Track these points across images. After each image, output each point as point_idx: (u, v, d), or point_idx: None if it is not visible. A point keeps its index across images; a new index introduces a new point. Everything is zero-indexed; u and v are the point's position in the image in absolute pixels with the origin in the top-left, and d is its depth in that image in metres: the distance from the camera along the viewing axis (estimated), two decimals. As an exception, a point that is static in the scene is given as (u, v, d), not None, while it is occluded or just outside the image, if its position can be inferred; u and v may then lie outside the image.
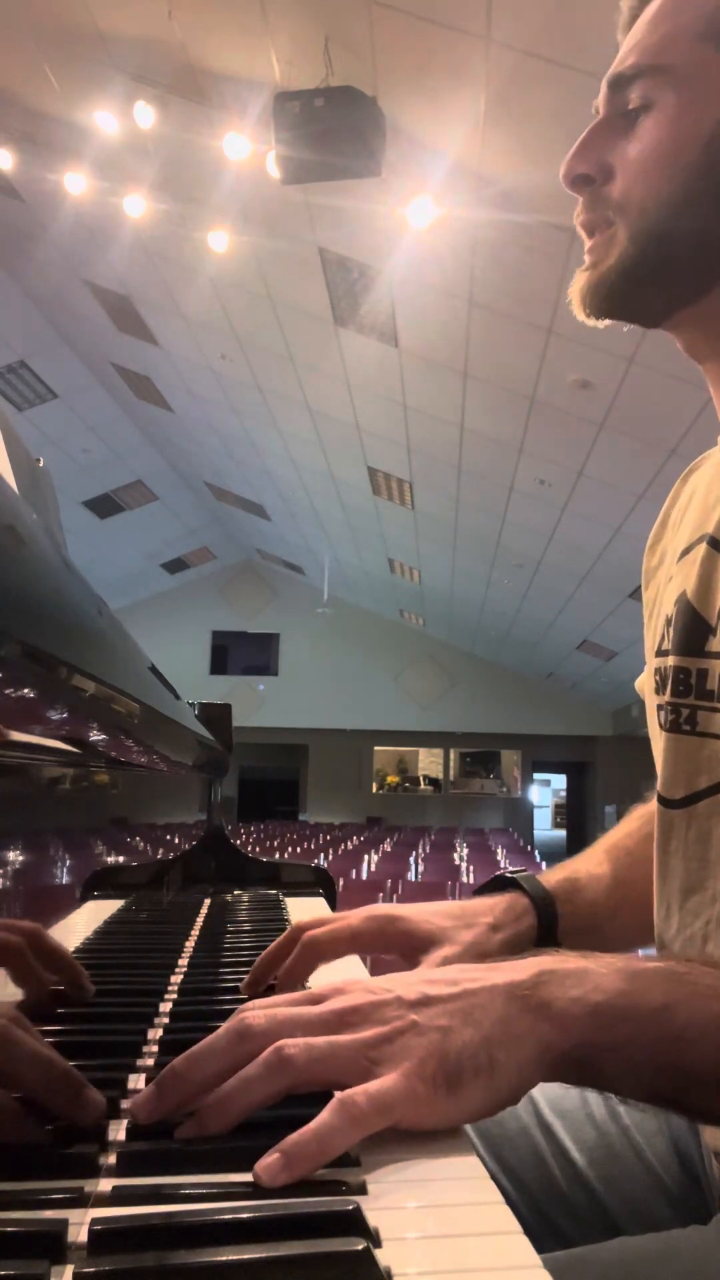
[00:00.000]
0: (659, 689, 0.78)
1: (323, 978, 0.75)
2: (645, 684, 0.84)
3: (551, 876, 0.85)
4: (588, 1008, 0.48)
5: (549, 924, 0.80)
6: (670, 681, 0.73)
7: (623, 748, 15.83)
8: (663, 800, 0.74)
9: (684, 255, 0.68)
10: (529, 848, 12.93)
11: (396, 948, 0.73)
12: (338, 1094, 0.43)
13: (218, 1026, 0.63)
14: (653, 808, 0.92)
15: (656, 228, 0.68)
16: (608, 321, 0.74)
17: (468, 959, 0.71)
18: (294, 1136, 0.41)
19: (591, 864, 0.89)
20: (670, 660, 0.74)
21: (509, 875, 0.83)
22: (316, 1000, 0.50)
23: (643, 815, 0.92)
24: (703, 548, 0.72)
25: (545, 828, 22.52)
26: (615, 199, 0.70)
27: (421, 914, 0.74)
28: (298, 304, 7.02)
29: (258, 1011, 0.48)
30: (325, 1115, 0.42)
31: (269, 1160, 0.40)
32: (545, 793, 23.97)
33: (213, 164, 5.44)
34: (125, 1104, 0.49)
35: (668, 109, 0.67)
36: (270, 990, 0.70)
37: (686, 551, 0.76)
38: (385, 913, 0.73)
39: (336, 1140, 0.42)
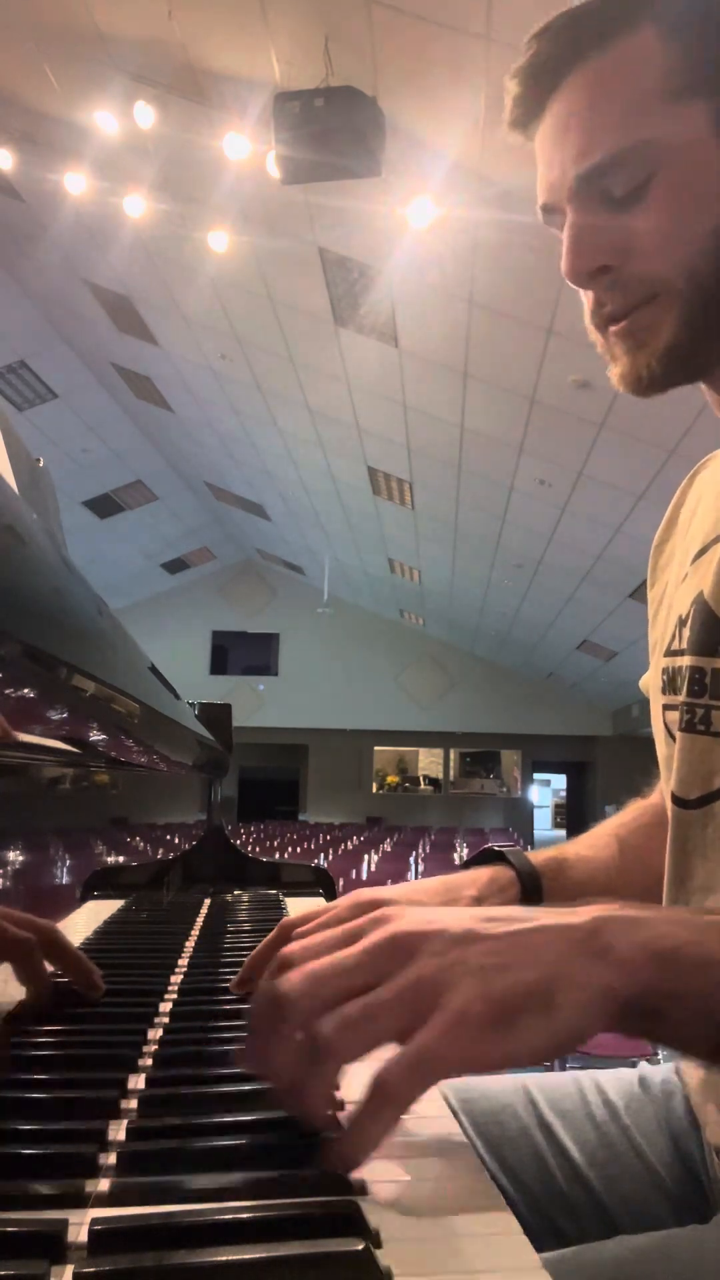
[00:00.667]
0: (666, 688, 0.78)
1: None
2: (651, 683, 0.84)
3: (539, 855, 0.85)
4: (654, 954, 0.46)
5: (533, 898, 0.80)
6: (686, 681, 0.74)
7: (623, 748, 15.83)
8: (677, 800, 0.74)
9: None
10: (528, 847, 12.91)
11: None
12: (375, 1075, 0.42)
13: (218, 1026, 0.64)
14: (649, 803, 0.92)
15: (707, 286, 0.66)
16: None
17: None
18: (359, 1120, 0.42)
19: (581, 848, 0.89)
20: (685, 660, 0.74)
21: (496, 850, 0.83)
22: (355, 936, 0.48)
23: (639, 809, 0.92)
24: (718, 549, 0.73)
25: (545, 828, 22.50)
26: (652, 272, 0.67)
27: (406, 894, 0.74)
28: (298, 304, 7.01)
29: (291, 976, 0.46)
30: (365, 1103, 0.42)
31: (332, 1156, 0.41)
32: (545, 793, 23.96)
33: (213, 164, 5.44)
34: (126, 1104, 0.49)
35: (672, 175, 0.65)
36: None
37: (702, 552, 0.76)
38: (370, 898, 0.72)
39: (377, 1127, 0.42)
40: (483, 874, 0.80)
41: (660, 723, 0.80)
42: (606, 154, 0.66)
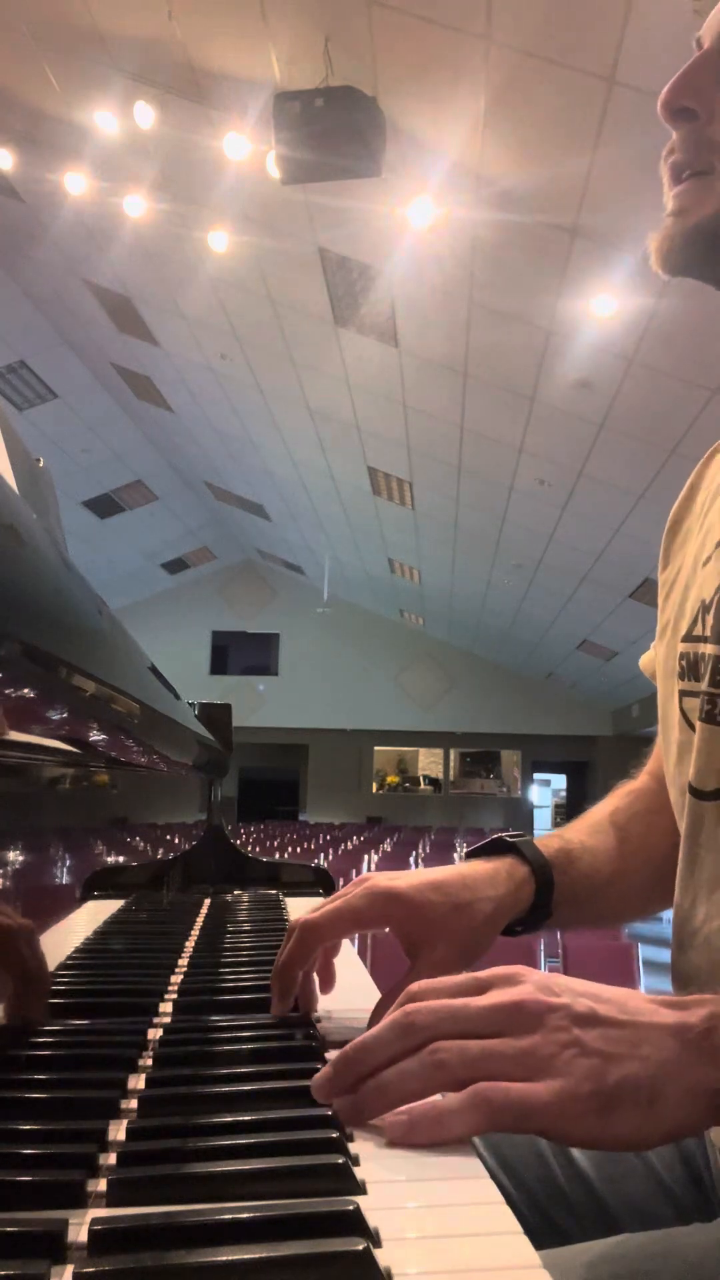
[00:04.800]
0: (686, 674, 0.75)
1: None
2: (657, 664, 0.81)
3: (546, 845, 0.83)
4: None
5: (544, 893, 0.79)
6: (710, 670, 0.71)
7: (623, 748, 15.82)
8: (694, 791, 0.72)
9: None
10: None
11: (394, 922, 0.70)
12: (478, 1083, 0.45)
13: (218, 1026, 0.64)
14: (641, 788, 0.91)
15: None
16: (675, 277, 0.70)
17: (465, 952, 0.71)
18: (422, 1106, 0.45)
19: (582, 835, 0.88)
20: (709, 648, 0.72)
21: (508, 840, 0.81)
22: (484, 987, 0.50)
23: (631, 794, 0.91)
24: None
25: (545, 828, 22.48)
26: (718, 141, 0.65)
27: (421, 893, 0.71)
28: (298, 304, 7.01)
29: (419, 1006, 0.49)
30: (458, 1097, 0.44)
31: (396, 1119, 0.44)
32: (545, 793, 23.94)
33: (213, 164, 5.44)
34: (126, 1104, 0.49)
35: None
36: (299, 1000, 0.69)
37: None
38: (385, 889, 0.70)
39: (458, 1124, 0.44)
40: (499, 869, 0.77)
41: (676, 708, 0.77)
42: None
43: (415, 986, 0.52)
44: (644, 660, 0.87)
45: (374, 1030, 0.49)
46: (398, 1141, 0.45)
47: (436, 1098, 0.47)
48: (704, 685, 0.72)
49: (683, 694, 0.76)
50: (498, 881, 0.76)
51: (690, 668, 0.75)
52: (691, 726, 0.74)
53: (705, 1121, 0.47)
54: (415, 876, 0.72)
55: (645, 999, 0.50)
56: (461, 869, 0.76)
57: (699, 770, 0.72)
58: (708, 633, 0.73)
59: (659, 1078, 0.46)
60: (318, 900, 1.32)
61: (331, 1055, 0.57)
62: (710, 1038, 0.47)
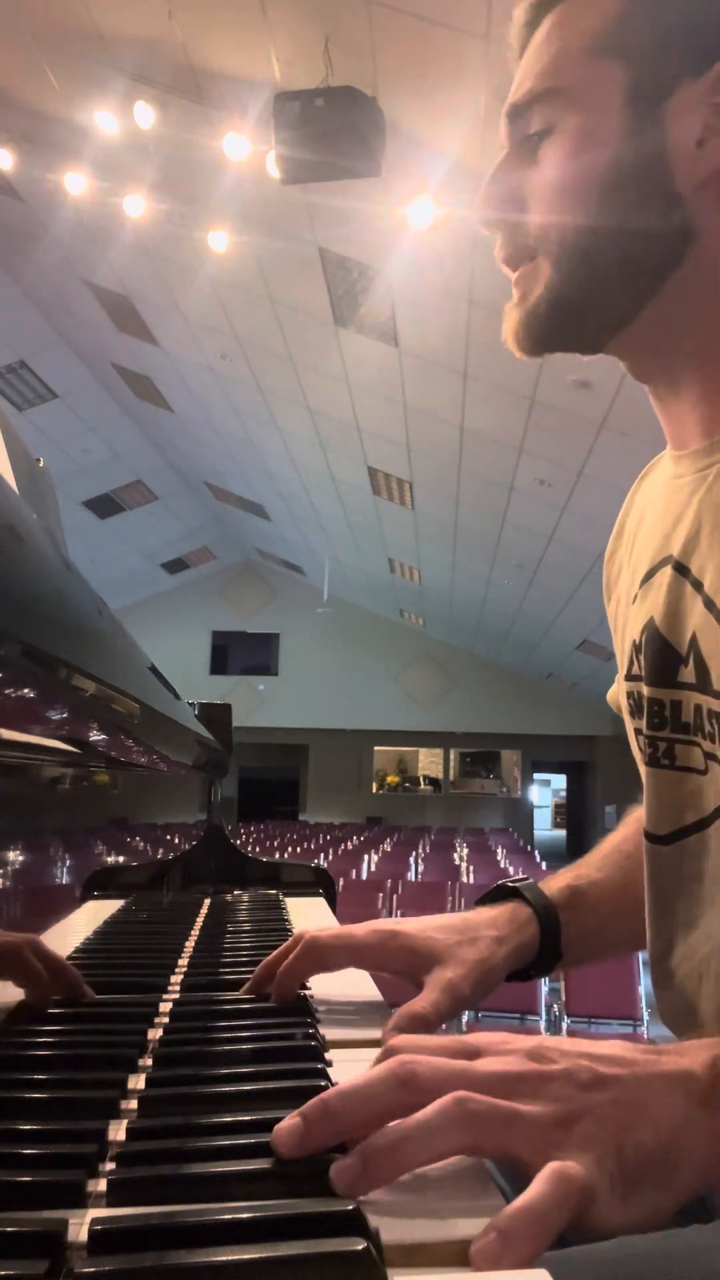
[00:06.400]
0: (634, 712, 0.76)
1: (322, 987, 0.75)
2: (620, 699, 0.81)
3: (553, 884, 0.83)
4: None
5: (552, 933, 0.79)
6: (645, 713, 0.71)
7: (623, 748, 15.53)
8: (650, 837, 0.72)
9: (609, 277, 0.66)
10: (529, 848, 12.92)
11: (398, 963, 0.71)
12: (553, 1163, 0.39)
13: (218, 1026, 0.64)
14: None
15: (577, 253, 0.65)
16: (542, 357, 0.71)
17: (474, 978, 0.70)
18: (512, 1211, 0.37)
19: (592, 869, 0.88)
20: (644, 689, 0.72)
21: (510, 885, 0.82)
22: (472, 1053, 0.46)
23: (637, 819, 0.91)
24: (668, 572, 0.70)
25: (545, 828, 22.52)
26: (533, 231, 0.68)
27: (424, 930, 0.72)
28: (298, 304, 7.02)
29: (418, 1058, 0.44)
30: (544, 1188, 0.38)
31: (485, 1243, 0.36)
32: (545, 793, 23.97)
33: (213, 164, 5.44)
34: (126, 1104, 0.49)
35: (568, 131, 0.65)
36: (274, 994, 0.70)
37: (651, 574, 0.73)
38: (388, 928, 0.71)
39: (555, 1218, 0.38)
40: (501, 913, 0.78)
41: (634, 744, 0.78)
42: (526, 92, 0.67)
43: (397, 1041, 0.46)
44: (610, 694, 0.87)
45: (361, 1079, 0.42)
46: (496, 1267, 0.35)
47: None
48: (644, 728, 0.72)
49: (635, 732, 0.76)
50: (500, 924, 0.77)
51: (635, 707, 0.75)
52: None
53: None
54: (419, 921, 0.74)
55: (645, 1050, 0.47)
56: (465, 915, 0.77)
57: (650, 814, 0.72)
58: (640, 673, 0.73)
59: (670, 1146, 0.43)
60: (317, 900, 1.32)
61: (332, 1054, 0.57)
62: (718, 1085, 0.45)
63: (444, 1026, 0.70)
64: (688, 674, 0.67)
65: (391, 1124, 0.41)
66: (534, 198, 0.68)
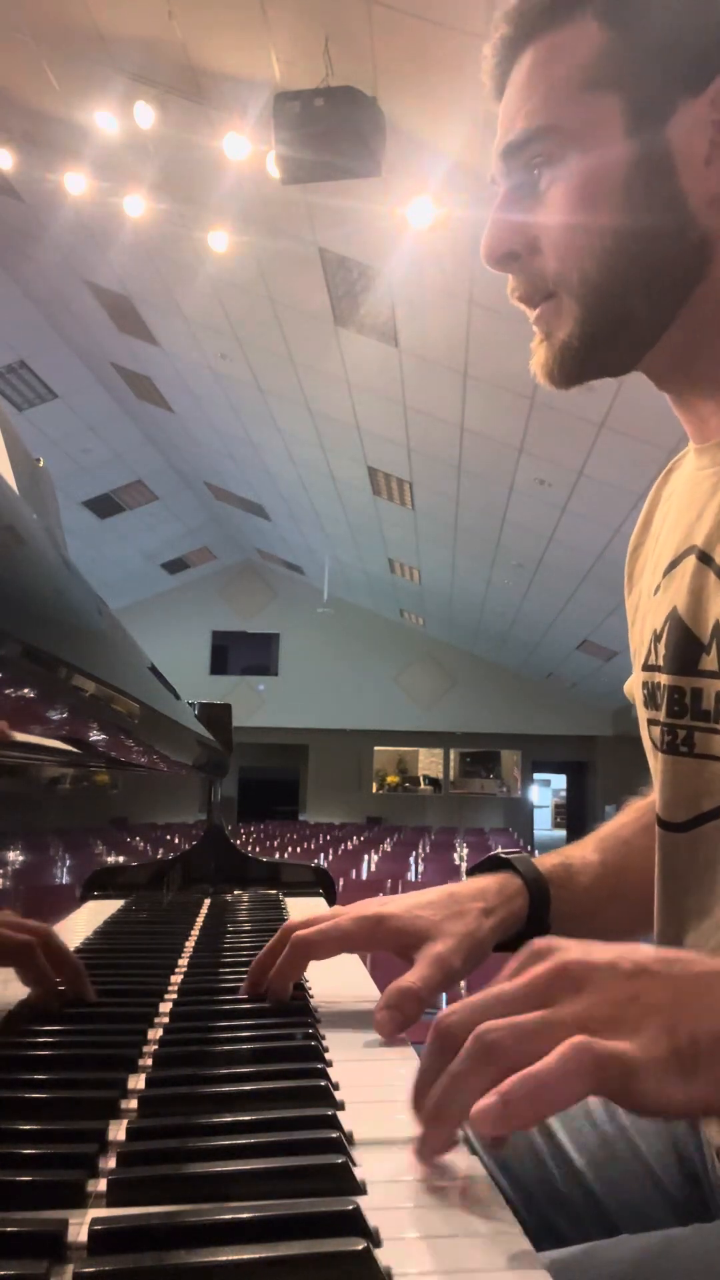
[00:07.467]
0: (648, 703, 0.76)
1: (313, 975, 0.75)
2: (635, 691, 0.82)
3: (547, 860, 0.84)
4: None
5: (541, 907, 0.79)
6: (665, 701, 0.72)
7: (623, 748, 15.82)
8: (664, 824, 0.73)
9: (635, 305, 0.67)
10: (529, 848, 12.93)
11: (388, 946, 0.72)
12: (571, 1040, 0.39)
13: (218, 1026, 0.64)
14: (649, 802, 0.91)
15: (602, 288, 0.66)
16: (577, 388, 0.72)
17: (463, 950, 0.70)
18: (515, 1080, 0.37)
19: (586, 851, 0.88)
20: (663, 678, 0.72)
21: (503, 856, 0.82)
22: (514, 975, 0.46)
23: (638, 809, 0.91)
24: (691, 561, 0.70)
25: (545, 828, 22.51)
26: (550, 270, 0.68)
27: (410, 910, 0.72)
28: (298, 304, 7.01)
29: (447, 1010, 0.45)
30: (553, 1058, 0.38)
31: (486, 1104, 0.37)
32: (545, 793, 23.97)
33: (213, 164, 5.44)
34: (126, 1104, 0.49)
35: (571, 168, 0.66)
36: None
37: (674, 564, 0.74)
38: (375, 912, 0.72)
39: (563, 1093, 0.38)
40: (489, 883, 0.78)
41: (646, 736, 0.78)
42: (522, 130, 0.68)
43: (440, 1015, 0.47)
44: (627, 685, 0.88)
45: (540, 1067, 0.40)
46: (495, 1131, 0.38)
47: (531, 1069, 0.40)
48: (662, 716, 0.73)
49: (649, 723, 0.77)
50: (488, 894, 0.77)
51: (650, 696, 0.76)
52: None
53: None
54: (405, 899, 0.74)
55: (683, 953, 0.47)
56: (450, 887, 0.77)
57: (666, 802, 0.73)
58: (660, 662, 0.73)
59: None
60: (318, 900, 1.32)
61: (332, 1054, 0.57)
62: None
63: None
64: (709, 662, 0.67)
65: (524, 1071, 0.39)
66: (546, 237, 0.68)
